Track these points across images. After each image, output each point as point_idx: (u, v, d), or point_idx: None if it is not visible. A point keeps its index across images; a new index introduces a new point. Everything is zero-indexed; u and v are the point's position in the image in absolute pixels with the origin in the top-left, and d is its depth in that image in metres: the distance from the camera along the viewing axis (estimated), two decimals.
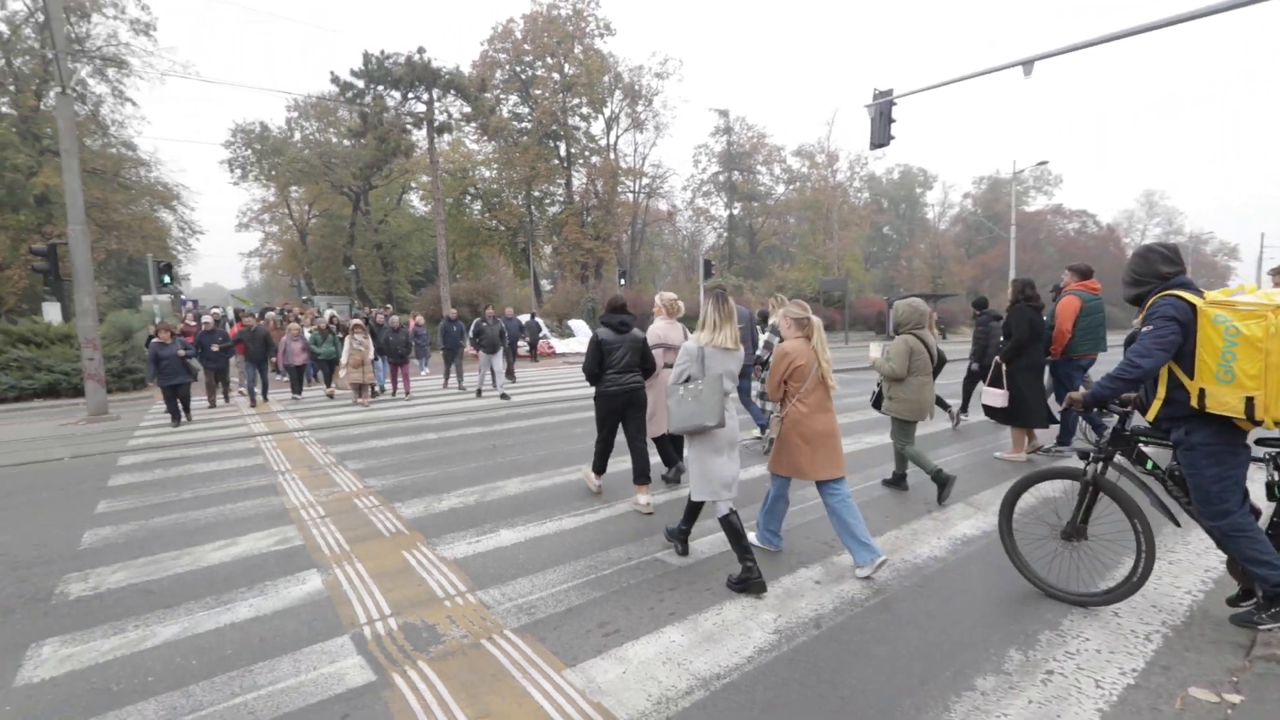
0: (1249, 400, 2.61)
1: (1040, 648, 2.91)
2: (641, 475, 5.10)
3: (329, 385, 12.92)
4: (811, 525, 4.65)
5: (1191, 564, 3.84)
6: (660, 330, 5.45)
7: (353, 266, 33.92)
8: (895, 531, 4.47)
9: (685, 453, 3.99)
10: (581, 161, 36.46)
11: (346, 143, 32.95)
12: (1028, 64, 10.58)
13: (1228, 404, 2.67)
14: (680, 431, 3.68)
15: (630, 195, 38.95)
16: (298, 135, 34.17)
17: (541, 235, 36.80)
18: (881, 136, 12.50)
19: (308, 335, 12.87)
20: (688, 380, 3.65)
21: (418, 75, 21.43)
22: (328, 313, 19.59)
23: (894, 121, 12.55)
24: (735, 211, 49.20)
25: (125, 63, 24.93)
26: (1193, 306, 2.76)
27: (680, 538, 4.13)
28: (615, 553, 4.19)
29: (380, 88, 21.90)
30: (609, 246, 34.74)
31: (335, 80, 21.65)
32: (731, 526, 3.58)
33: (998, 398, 6.25)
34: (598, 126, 37.15)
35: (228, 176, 33.67)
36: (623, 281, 23.59)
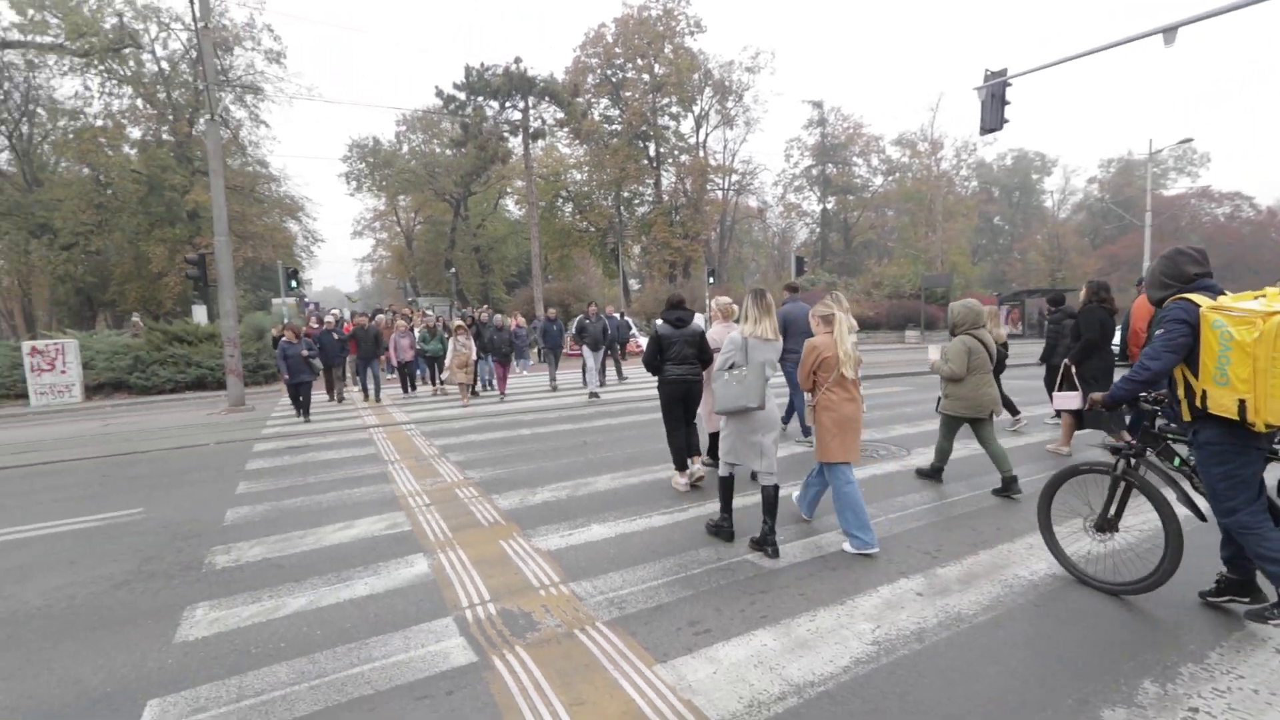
0: (1241, 403, 2.70)
1: (1182, 682, 2.60)
2: (693, 450, 5.74)
3: (435, 383, 13.48)
4: (912, 534, 4.42)
5: None
6: (717, 334, 5.68)
7: (453, 269, 35.89)
8: (1008, 545, 4.16)
9: (722, 431, 4.32)
10: (670, 161, 36.56)
11: (449, 152, 34.90)
12: (1169, 31, 9.50)
13: (1224, 406, 2.77)
14: (724, 412, 4.11)
15: (719, 192, 38.65)
16: (405, 147, 36.65)
17: (630, 235, 37.27)
18: (994, 121, 11.66)
19: (416, 334, 13.65)
20: (732, 367, 4.10)
21: (514, 84, 22.36)
22: (432, 313, 20.57)
23: (1008, 104, 11.68)
24: (829, 206, 47.56)
25: (261, 89, 27.74)
26: (1199, 309, 2.86)
27: (725, 518, 4.41)
28: (705, 552, 4.17)
29: (480, 98, 23.03)
30: (697, 245, 34.62)
31: (439, 94, 23.04)
32: (727, 483, 4.33)
33: (1071, 400, 5.87)
34: (687, 125, 37.17)
35: (344, 188, 36.75)
36: (711, 280, 23.43)
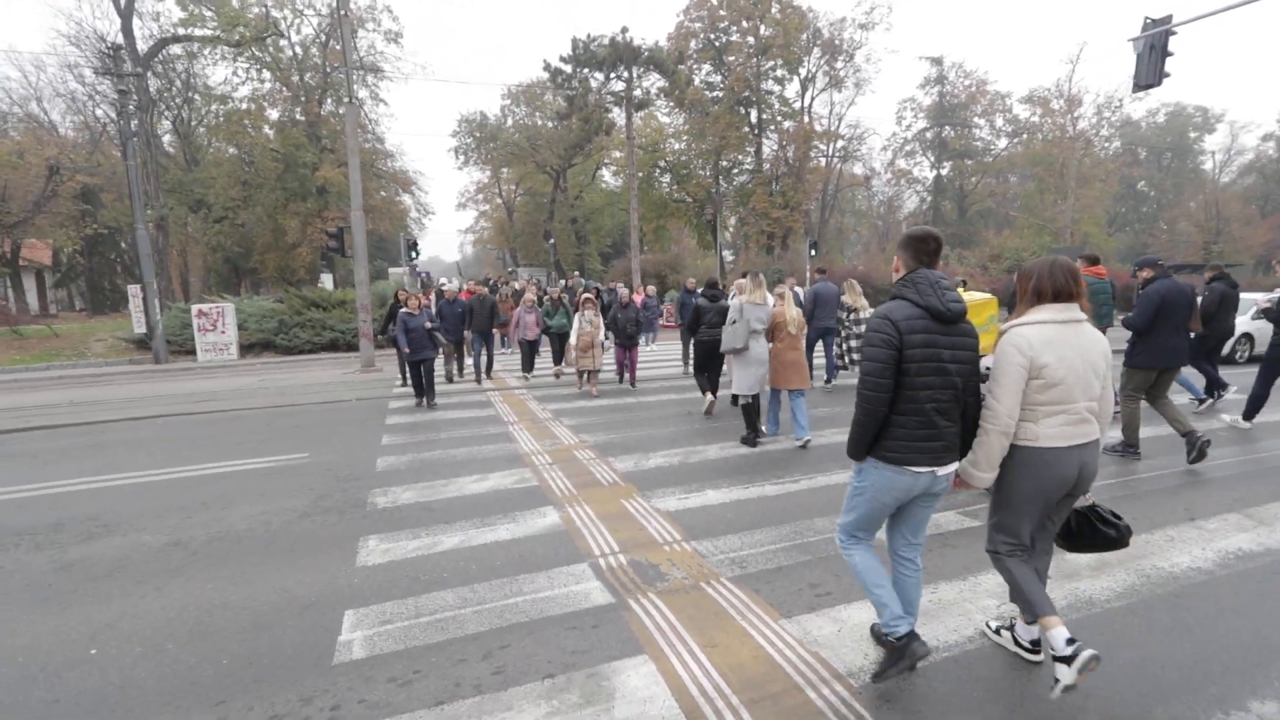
0: None
1: None
2: (711, 386, 7.90)
3: (558, 363, 11.68)
4: None
5: None
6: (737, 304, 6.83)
7: (551, 240, 37.01)
8: (1146, 535, 4.00)
9: (734, 370, 6.66)
10: (773, 127, 35.40)
11: (551, 124, 35.70)
12: None
13: None
14: (726, 350, 6.63)
15: (823, 160, 37.11)
16: (510, 120, 37.90)
17: (728, 206, 36.74)
18: (1150, 76, 10.53)
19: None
20: (734, 322, 6.47)
21: (619, 55, 22.47)
22: (561, 282, 19.43)
23: (1170, 55, 10.47)
24: (944, 172, 44.43)
25: (381, 69, 29.49)
26: None
27: (751, 434, 6.52)
28: (820, 522, 4.31)
29: (586, 70, 23.36)
30: (798, 215, 33.58)
31: (546, 67, 23.58)
32: (748, 409, 6.52)
33: None
34: (792, 89, 35.64)
35: (452, 162, 38.71)
36: (813, 252, 22.76)
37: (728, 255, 40.55)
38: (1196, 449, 5.45)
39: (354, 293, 15.12)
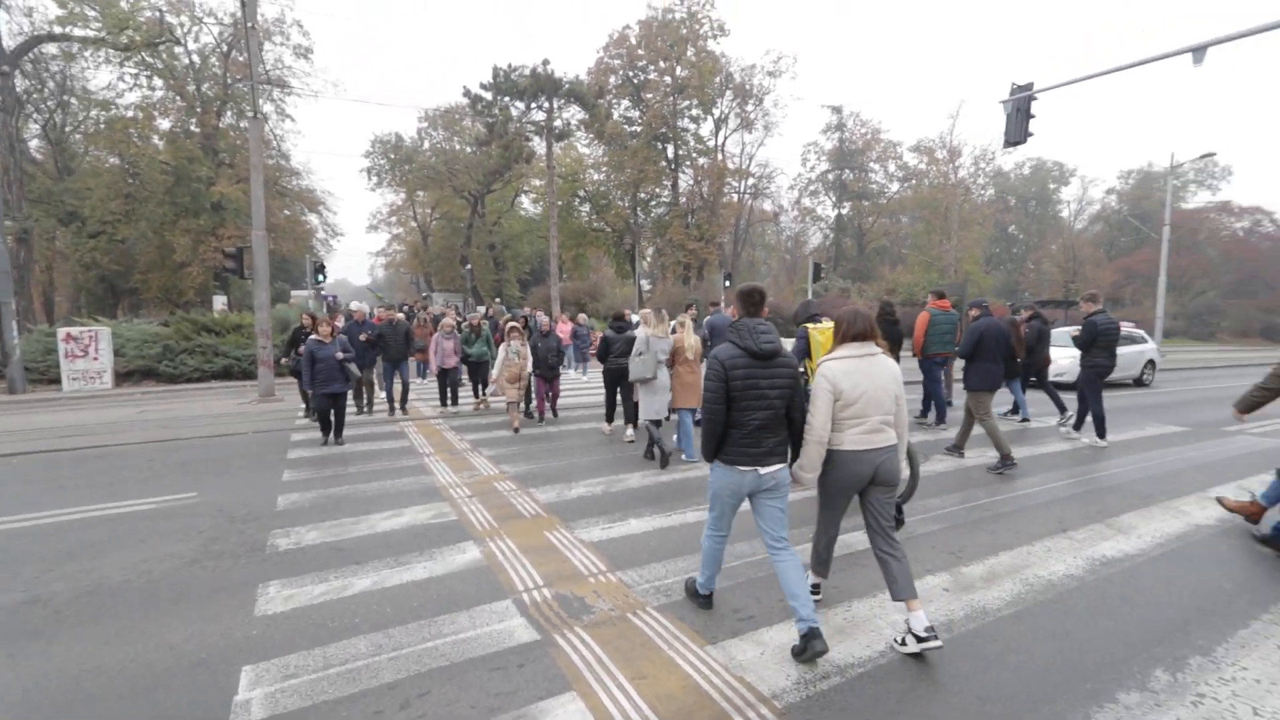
0: None
1: (1190, 671, 2.85)
2: (632, 418, 8.06)
3: (480, 395, 11.01)
4: (935, 536, 4.67)
5: None
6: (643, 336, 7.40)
7: (468, 265, 36.28)
8: (1027, 547, 4.40)
9: (640, 396, 7.28)
10: (689, 163, 36.79)
11: (470, 150, 35.28)
12: (1199, 51, 9.65)
13: None
14: (635, 379, 7.17)
15: (735, 195, 38.84)
16: (427, 144, 37.16)
17: (646, 236, 37.55)
18: (1018, 134, 11.83)
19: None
20: (640, 353, 7.06)
21: (541, 85, 22.66)
22: (480, 309, 18.27)
23: (1032, 117, 11.84)
24: (844, 211, 47.64)
25: (288, 84, 28.20)
26: None
27: (650, 453, 7.09)
28: (740, 547, 4.43)
29: (506, 99, 23.37)
30: (712, 247, 34.85)
31: (467, 94, 23.39)
32: (650, 431, 7.01)
33: None
34: (706, 128, 37.33)
35: (364, 183, 37.28)
36: (727, 283, 23.64)
37: (645, 284, 41.32)
38: (1006, 466, 6.59)
39: (252, 316, 14.15)
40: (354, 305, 11.43)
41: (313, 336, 8.17)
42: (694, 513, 5.22)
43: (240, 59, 27.34)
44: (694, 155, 36.98)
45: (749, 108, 36.86)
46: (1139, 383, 14.46)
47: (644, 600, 3.64)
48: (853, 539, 4.58)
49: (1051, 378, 10.22)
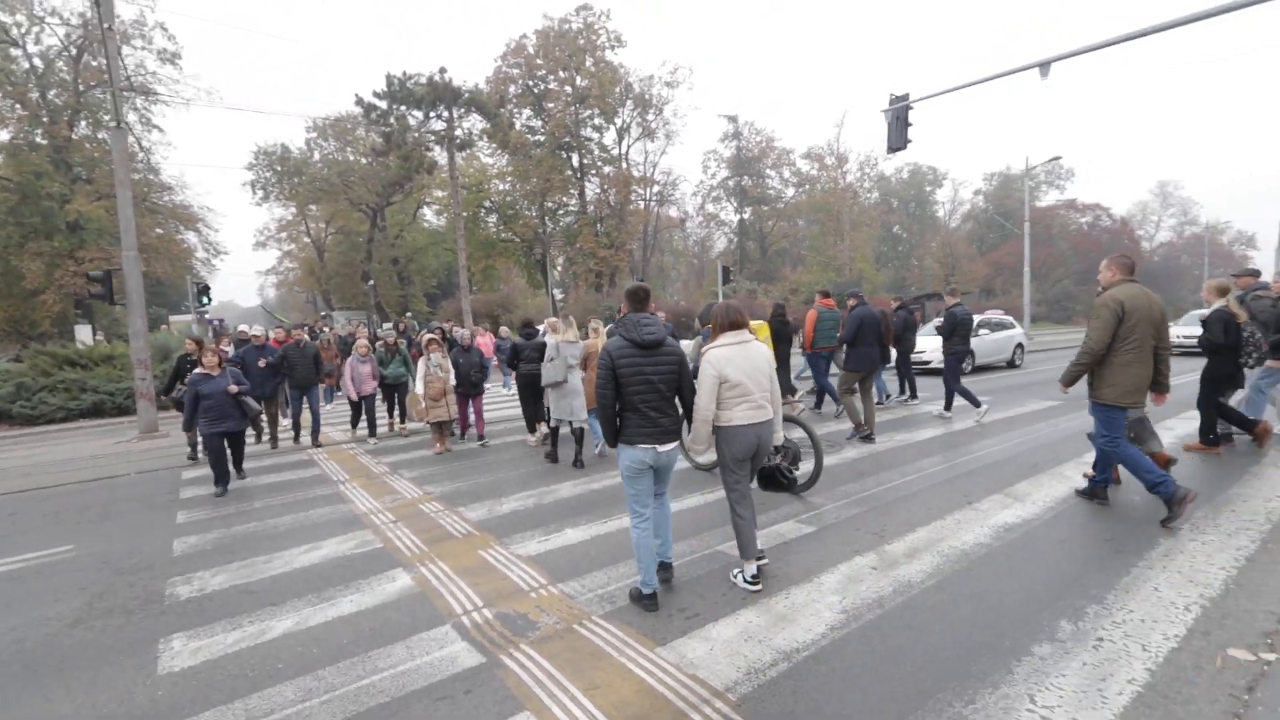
0: None
1: (1088, 619, 3.18)
2: (543, 418, 8.12)
3: (401, 420, 10.01)
4: (862, 518, 4.93)
5: (1223, 544, 4.09)
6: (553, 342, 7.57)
7: (371, 281, 34.57)
8: (940, 521, 4.74)
9: (550, 399, 7.40)
10: (594, 171, 36.93)
11: (365, 160, 33.66)
12: (1044, 66, 10.82)
13: None
14: (547, 384, 7.22)
15: (641, 203, 39.39)
16: (317, 155, 35.02)
17: (556, 246, 37.32)
18: (899, 140, 12.76)
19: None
20: (551, 359, 7.12)
21: (439, 94, 21.96)
22: (387, 325, 16.66)
23: (910, 125, 12.81)
24: (745, 216, 49.47)
25: (154, 91, 25.76)
26: None
27: (554, 455, 7.46)
28: (679, 547, 4.48)
29: (403, 108, 22.47)
30: (622, 255, 35.14)
31: (359, 102, 22.24)
32: (580, 432, 7.29)
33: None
34: (610, 136, 37.65)
35: (249, 197, 34.60)
36: None
37: (558, 294, 41.01)
38: (861, 437, 7.71)
39: (124, 346, 12.78)
40: (245, 329, 10.36)
41: (198, 369, 6.96)
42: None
43: (95, 64, 24.71)
44: (599, 164, 37.20)
45: (650, 117, 37.55)
46: (1011, 364, 15.96)
47: (589, 610, 3.60)
48: (785, 529, 4.76)
49: (920, 363, 11.61)
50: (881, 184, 58.83)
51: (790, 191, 49.25)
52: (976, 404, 8.62)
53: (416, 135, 23.39)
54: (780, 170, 48.58)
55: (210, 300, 15.44)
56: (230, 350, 10.17)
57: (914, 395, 10.77)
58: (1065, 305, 50.59)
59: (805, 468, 5.43)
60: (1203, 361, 6.53)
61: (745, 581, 3.73)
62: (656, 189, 40.82)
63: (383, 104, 22.18)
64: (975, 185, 68.68)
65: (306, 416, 9.46)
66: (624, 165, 37.52)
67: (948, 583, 3.70)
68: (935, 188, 64.61)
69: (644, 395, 3.50)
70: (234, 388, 6.87)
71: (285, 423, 10.04)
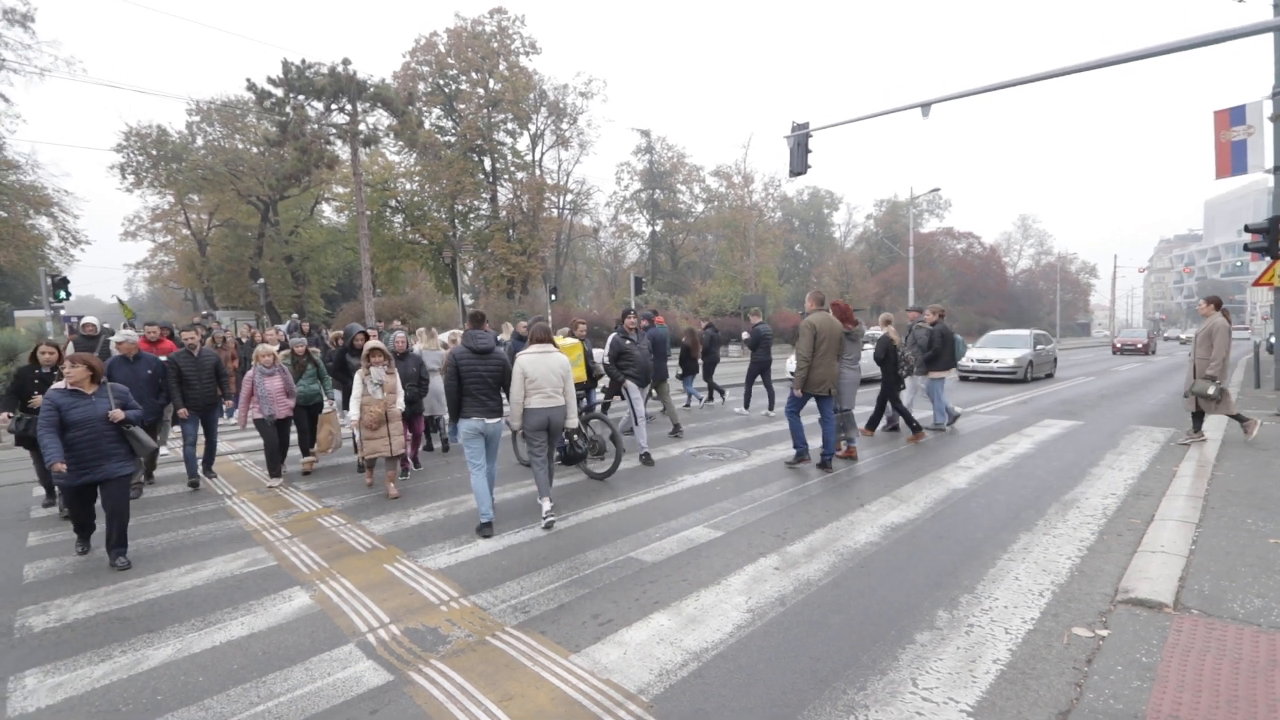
0: None
1: (961, 607, 3.54)
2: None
3: (308, 452, 7.52)
4: (766, 521, 5.19)
5: (1069, 536, 4.68)
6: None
7: (261, 280, 32.02)
8: (835, 523, 5.08)
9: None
10: (507, 176, 36.31)
11: (256, 150, 31.23)
12: (926, 106, 11.90)
13: None
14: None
15: (555, 211, 39.16)
16: (200, 140, 32.00)
17: (467, 250, 36.31)
18: (799, 165, 13.56)
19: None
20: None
21: (341, 86, 20.76)
22: (282, 327, 13.29)
23: (810, 151, 13.65)
24: (657, 228, 50.40)
25: None
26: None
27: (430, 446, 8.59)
28: (592, 554, 4.54)
29: (301, 97, 21.04)
30: (535, 262, 34.75)
31: (252, 87, 20.49)
32: (439, 420, 8.58)
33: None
34: (523, 142, 37.16)
35: (117, 182, 31.02)
36: (553, 297, 23.78)
37: (468, 299, 39.91)
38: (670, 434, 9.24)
39: None
40: (123, 333, 6.80)
41: (56, 385, 4.65)
42: (542, 527, 5.22)
43: None
44: (512, 169, 36.66)
45: (564, 125, 37.52)
46: None
47: (502, 621, 3.58)
48: (694, 534, 4.93)
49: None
50: (784, 204, 61.99)
51: (700, 207, 50.76)
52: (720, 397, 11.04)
53: (316, 127, 22.03)
54: (691, 186, 50.02)
55: (69, 295, 13.78)
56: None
57: (722, 395, 12.84)
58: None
59: (612, 465, 6.76)
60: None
61: (544, 515, 5.24)
62: (570, 197, 40.79)
63: (278, 91, 20.68)
64: (867, 210, 74.04)
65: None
66: (537, 172, 37.20)
67: (843, 580, 3.99)
68: (833, 210, 68.86)
69: (477, 385, 5.25)
70: (117, 413, 4.66)
71: (165, 451, 8.07)
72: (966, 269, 60.88)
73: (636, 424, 7.75)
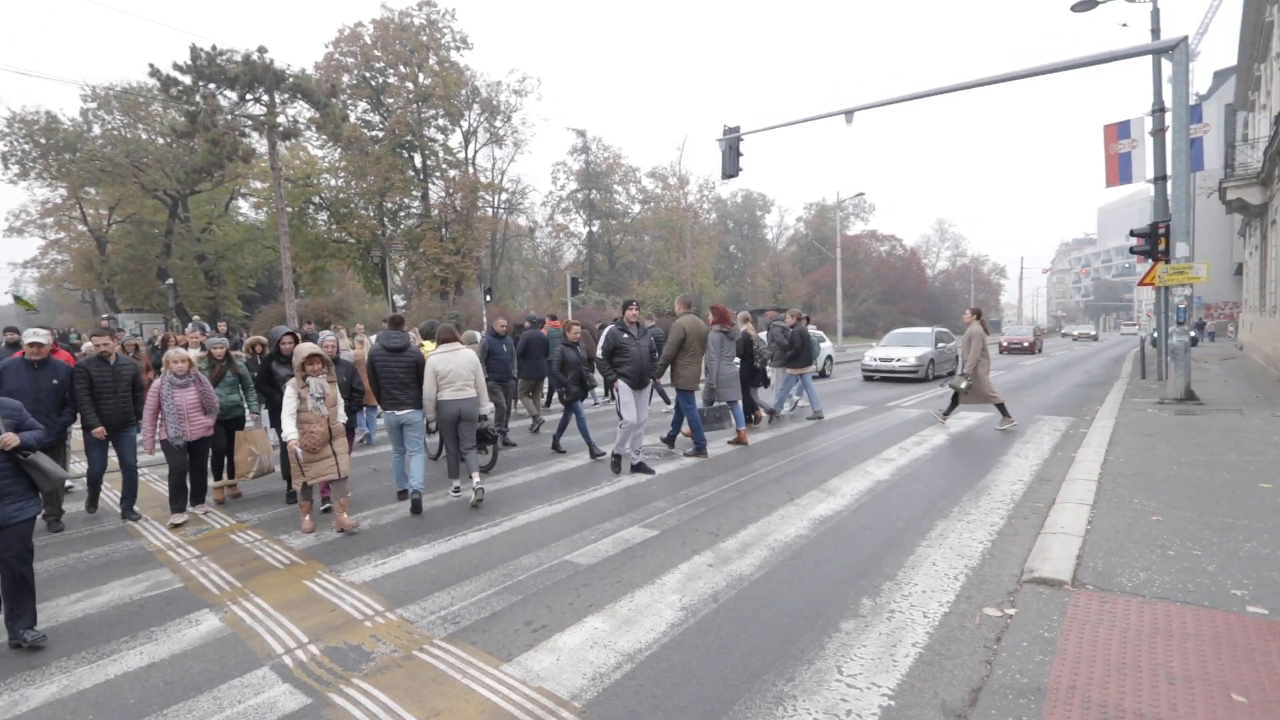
0: None
1: (884, 594, 3.69)
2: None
3: (220, 476, 6.52)
4: (700, 519, 5.25)
5: (981, 521, 4.96)
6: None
7: (170, 280, 29.82)
8: (767, 518, 5.20)
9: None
10: (439, 174, 35.31)
11: (162, 141, 29.06)
12: (849, 113, 12.38)
13: None
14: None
15: (490, 210, 38.41)
16: (97, 129, 29.42)
17: (397, 249, 35.07)
18: (731, 168, 13.83)
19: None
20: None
21: (256, 75, 19.55)
22: (202, 328, 11.24)
23: (741, 155, 13.95)
24: (594, 229, 50.29)
25: None
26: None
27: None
28: (526, 559, 4.46)
29: (212, 86, 19.68)
30: (470, 261, 33.95)
31: (156, 73, 18.93)
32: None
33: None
34: (455, 139, 36.23)
35: (1, 172, 28.10)
36: (488, 298, 23.28)
37: (399, 300, 38.57)
38: (532, 429, 9.78)
39: None
40: (35, 332, 5.60)
41: None
42: (475, 533, 5.09)
43: None
44: (444, 166, 35.72)
45: (498, 123, 36.87)
46: (822, 374, 17.85)
47: (430, 634, 3.46)
48: (629, 534, 4.93)
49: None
50: (719, 206, 63.15)
51: (637, 208, 50.97)
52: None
53: (229, 118, 20.69)
54: (627, 186, 50.17)
55: None
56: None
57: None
58: (870, 321, 57.86)
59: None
60: None
61: (452, 491, 6.25)
62: (505, 197, 40.10)
63: (186, 79, 19.24)
64: (798, 213, 76.51)
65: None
66: (471, 170, 36.38)
67: (774, 573, 4.08)
68: (765, 212, 70.74)
69: (389, 381, 5.87)
70: (9, 437, 3.46)
71: (72, 483, 6.78)
72: (890, 270, 63.79)
73: (624, 430, 6.94)
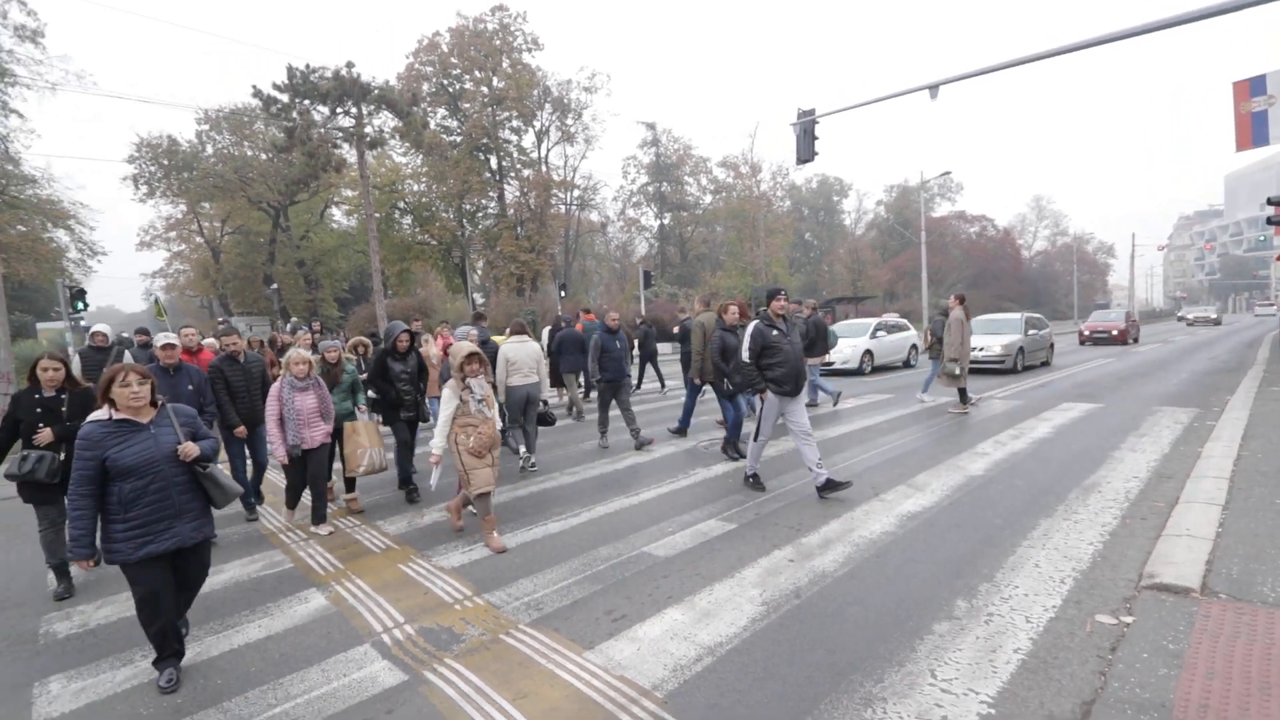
0: None
1: (980, 596, 3.48)
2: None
3: (346, 488, 6.13)
4: (779, 513, 5.15)
5: (1091, 521, 4.58)
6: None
7: (274, 285, 32.40)
8: (850, 513, 5.03)
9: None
10: (514, 174, 36.39)
11: (265, 156, 31.52)
12: (934, 88, 11.69)
13: None
14: None
15: (562, 207, 39.19)
16: (210, 149, 32.39)
17: (476, 249, 36.45)
18: (806, 153, 13.39)
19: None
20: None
21: (345, 90, 20.87)
22: (300, 329, 11.50)
23: (817, 138, 13.47)
24: (665, 221, 50.24)
25: (9, 73, 23.03)
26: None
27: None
28: (604, 550, 4.52)
29: (307, 102, 21.17)
30: (544, 259, 34.81)
31: (258, 94, 20.69)
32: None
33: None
34: (528, 139, 37.24)
35: (130, 193, 31.51)
36: (562, 293, 23.83)
37: (479, 298, 40.07)
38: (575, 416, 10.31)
39: None
40: (165, 336, 5.44)
41: (95, 415, 3.08)
42: (555, 522, 5.22)
43: None
44: (518, 166, 36.72)
45: (569, 121, 37.46)
46: (907, 364, 17.06)
47: (515, 619, 3.57)
48: (707, 527, 4.89)
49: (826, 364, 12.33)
50: (793, 193, 61.44)
51: (708, 198, 50.49)
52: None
53: (322, 131, 22.15)
54: (698, 177, 49.77)
55: (87, 305, 13.99)
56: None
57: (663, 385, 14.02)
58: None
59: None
60: None
61: (528, 464, 6.99)
62: (577, 193, 40.77)
63: (284, 97, 20.82)
64: (878, 196, 73.39)
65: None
66: (543, 169, 37.21)
67: (858, 570, 3.94)
68: (842, 197, 68.23)
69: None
70: (189, 449, 3.17)
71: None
72: (980, 252, 59.89)
73: (755, 447, 5.94)
